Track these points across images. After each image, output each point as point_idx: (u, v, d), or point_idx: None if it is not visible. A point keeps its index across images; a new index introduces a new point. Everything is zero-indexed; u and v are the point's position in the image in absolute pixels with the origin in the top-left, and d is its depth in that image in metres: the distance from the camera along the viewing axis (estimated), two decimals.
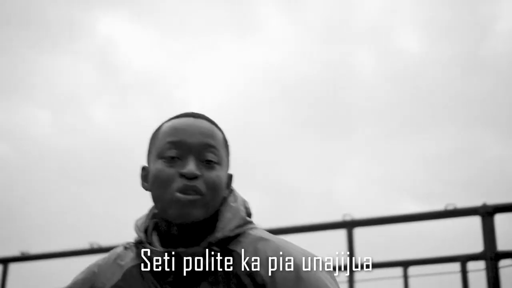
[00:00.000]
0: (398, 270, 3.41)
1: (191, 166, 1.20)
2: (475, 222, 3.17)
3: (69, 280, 1.33)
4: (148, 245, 1.24)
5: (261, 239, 1.25)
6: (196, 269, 1.20)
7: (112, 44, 11.05)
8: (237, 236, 1.25)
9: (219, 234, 1.22)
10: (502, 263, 3.11)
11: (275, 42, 11.86)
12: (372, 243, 3.85)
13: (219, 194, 1.25)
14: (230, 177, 1.34)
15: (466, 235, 3.45)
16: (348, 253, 3.49)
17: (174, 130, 1.26)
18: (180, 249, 1.20)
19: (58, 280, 4.34)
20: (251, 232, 1.27)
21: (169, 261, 1.21)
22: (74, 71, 10.72)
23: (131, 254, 1.30)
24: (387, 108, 11.34)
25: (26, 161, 9.69)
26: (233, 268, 1.20)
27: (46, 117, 10.39)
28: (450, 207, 3.25)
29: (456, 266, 3.26)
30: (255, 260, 1.21)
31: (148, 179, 1.27)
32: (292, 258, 1.21)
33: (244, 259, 1.21)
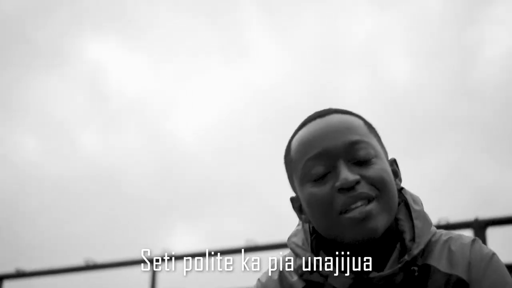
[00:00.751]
0: None
1: (344, 174, 0.99)
2: (468, 235, 3.24)
3: None
4: (326, 271, 1.03)
5: (450, 239, 1.10)
6: None
7: (101, 69, 11.12)
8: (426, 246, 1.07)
9: (415, 250, 1.03)
10: None
11: (264, 65, 11.99)
12: None
13: (392, 190, 1.04)
14: (393, 162, 1.14)
15: None
16: None
17: (309, 144, 1.05)
18: (374, 274, 1.01)
19: None
20: (436, 234, 1.11)
21: (356, 286, 1.02)
22: (63, 96, 10.76)
23: (290, 270, 1.11)
24: (378, 131, 11.46)
25: (12, 186, 9.67)
26: (428, 282, 1.03)
27: (33, 143, 10.39)
28: (443, 222, 3.32)
29: None
30: (451, 266, 1.05)
31: (303, 209, 1.08)
32: (487, 252, 1.08)
33: (442, 271, 1.05)
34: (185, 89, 11.71)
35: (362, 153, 1.02)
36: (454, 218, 3.30)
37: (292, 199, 1.11)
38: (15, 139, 10.42)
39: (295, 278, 1.09)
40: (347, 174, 0.98)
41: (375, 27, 11.84)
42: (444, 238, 1.09)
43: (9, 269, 4.51)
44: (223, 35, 11.81)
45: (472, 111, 10.72)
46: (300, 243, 1.08)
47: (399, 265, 1.01)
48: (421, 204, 1.12)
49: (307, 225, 1.11)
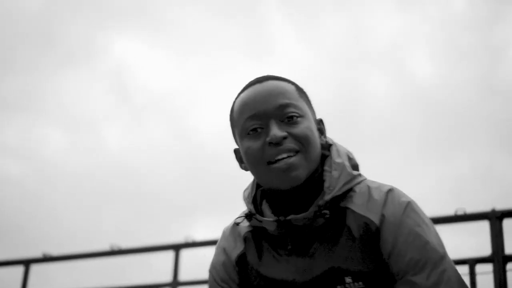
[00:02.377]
0: None
1: (274, 130, 1.17)
2: (484, 226, 3.28)
3: (89, 282, 1.41)
4: (259, 216, 1.24)
5: (370, 188, 1.25)
6: (308, 232, 1.21)
7: (127, 65, 11.27)
8: (348, 192, 1.24)
9: (328, 196, 1.20)
10: (510, 266, 3.20)
11: (288, 63, 12.05)
12: None
13: (314, 146, 1.22)
14: (319, 122, 1.33)
15: (475, 238, 3.55)
16: None
17: (246, 104, 1.24)
18: (291, 217, 1.20)
19: (79, 281, 4.48)
20: (360, 184, 1.26)
21: (282, 228, 1.21)
22: (88, 92, 10.93)
23: (246, 224, 1.32)
24: (401, 131, 11.45)
25: (39, 180, 9.85)
26: (346, 223, 1.20)
27: (60, 138, 10.57)
28: (460, 212, 3.36)
29: (465, 269, 3.34)
30: (367, 209, 1.21)
31: (243, 159, 1.27)
32: (403, 200, 1.23)
33: (357, 212, 1.21)
34: (209, 86, 11.82)
35: (290, 114, 1.20)
36: (471, 209, 3.34)
37: (235, 151, 1.31)
38: (42, 133, 10.63)
39: (245, 225, 1.32)
40: (276, 131, 1.17)
41: (399, 26, 11.84)
42: (366, 186, 1.25)
43: (36, 253, 4.64)
44: (247, 32, 11.91)
45: (498, 111, 10.66)
46: (247, 195, 1.31)
47: (314, 209, 1.19)
48: (351, 157, 1.30)
49: (255, 180, 1.32)
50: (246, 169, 1.28)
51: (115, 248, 4.24)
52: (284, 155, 1.18)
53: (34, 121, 10.64)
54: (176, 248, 4.01)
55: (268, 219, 1.23)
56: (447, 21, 11.66)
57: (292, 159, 1.18)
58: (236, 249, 1.31)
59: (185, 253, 4.03)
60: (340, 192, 1.22)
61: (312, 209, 1.19)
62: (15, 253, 4.86)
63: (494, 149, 10.78)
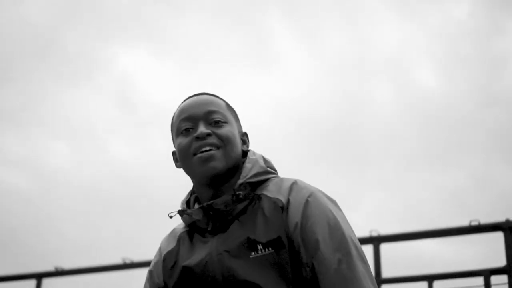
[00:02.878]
0: (424, 285, 3.51)
1: (200, 129, 1.42)
2: (499, 237, 3.30)
3: None
4: (188, 210, 1.47)
5: (282, 179, 1.46)
6: (230, 216, 1.42)
7: (130, 77, 11.31)
8: (263, 182, 1.46)
9: (240, 180, 1.43)
10: None
11: (291, 74, 12.09)
12: (398, 258, 3.96)
13: (233, 145, 1.46)
14: (244, 134, 1.58)
15: (490, 250, 3.57)
16: (374, 268, 3.60)
17: (183, 110, 1.50)
18: (211, 202, 1.41)
19: None
20: (275, 178, 1.49)
21: (207, 215, 1.43)
22: (92, 104, 10.96)
23: (181, 226, 1.54)
24: (404, 141, 11.48)
25: (43, 192, 9.86)
26: (261, 205, 1.40)
27: (63, 150, 10.58)
28: (474, 223, 3.38)
29: (480, 280, 3.36)
30: (277, 193, 1.41)
31: (178, 159, 1.50)
32: (307, 188, 1.43)
33: (269, 196, 1.42)
34: None
35: (216, 118, 1.44)
36: (485, 220, 3.36)
37: (172, 152, 1.54)
38: (46, 145, 10.64)
39: (181, 227, 1.54)
40: (202, 129, 1.41)
41: (401, 37, 11.89)
42: (279, 179, 1.47)
43: (48, 267, 4.65)
44: (250, 44, 11.95)
45: (499, 120, 10.70)
46: (182, 200, 1.54)
47: (231, 193, 1.40)
48: (266, 159, 1.53)
49: (192, 189, 1.54)
50: (179, 167, 1.51)
51: (127, 261, 4.25)
52: (207, 148, 1.41)
53: (38, 133, 10.67)
54: None
55: (194, 209, 1.43)
56: (448, 31, 11.72)
57: (212, 152, 1.41)
58: (169, 247, 1.50)
59: None
60: (253, 180, 1.44)
61: (229, 193, 1.40)
62: (24, 267, 4.86)
63: (494, 158, 10.81)
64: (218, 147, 1.42)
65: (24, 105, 10.50)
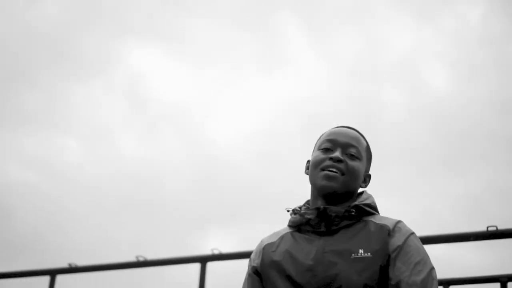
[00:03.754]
0: None
1: (337, 153, 1.70)
2: None
3: None
4: (303, 209, 1.74)
5: (386, 217, 1.75)
6: (338, 224, 1.70)
7: (142, 76, 11.33)
8: (369, 215, 1.74)
9: (355, 202, 1.72)
10: None
11: (303, 76, 12.07)
12: None
13: (356, 178, 1.74)
14: (368, 175, 1.84)
15: (508, 256, 3.54)
16: None
17: (331, 133, 1.80)
18: (327, 206, 1.69)
19: None
20: (378, 215, 1.78)
21: (319, 217, 1.70)
22: (105, 102, 10.98)
23: (283, 229, 1.79)
24: (417, 145, 11.43)
25: (56, 189, 9.89)
26: (365, 228, 1.69)
27: (76, 147, 10.61)
28: (492, 229, 3.36)
29: (497, 286, 3.34)
30: (384, 221, 1.72)
31: (309, 167, 1.78)
32: (409, 227, 1.75)
33: (376, 222, 1.72)
34: (223, 97, 11.84)
35: (352, 152, 1.72)
36: (504, 226, 3.34)
37: (307, 161, 1.82)
38: (59, 143, 10.68)
39: (286, 229, 1.80)
40: (338, 154, 1.69)
41: (414, 40, 11.86)
42: (383, 216, 1.76)
43: (63, 264, 4.66)
44: (262, 44, 11.95)
45: None
46: (294, 207, 1.82)
47: (345, 208, 1.68)
48: (373, 201, 1.81)
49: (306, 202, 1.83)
50: (307, 174, 1.79)
51: (141, 259, 4.26)
52: (334, 170, 1.68)
53: (51, 131, 10.71)
54: (203, 260, 4.02)
55: (310, 209, 1.69)
56: (462, 35, 11.68)
57: (337, 175, 1.68)
58: (270, 240, 1.77)
59: (211, 266, 4.04)
60: (365, 207, 1.72)
61: (343, 207, 1.68)
62: (38, 264, 4.87)
63: (509, 165, 10.75)
64: (342, 174, 1.70)
65: (37, 104, 10.55)
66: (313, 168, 1.74)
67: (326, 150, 1.75)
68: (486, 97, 11.35)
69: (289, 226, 1.80)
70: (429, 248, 3.82)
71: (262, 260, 1.73)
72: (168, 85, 11.49)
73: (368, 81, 11.86)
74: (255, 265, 1.75)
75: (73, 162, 10.39)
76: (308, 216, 1.70)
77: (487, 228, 3.39)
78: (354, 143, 1.76)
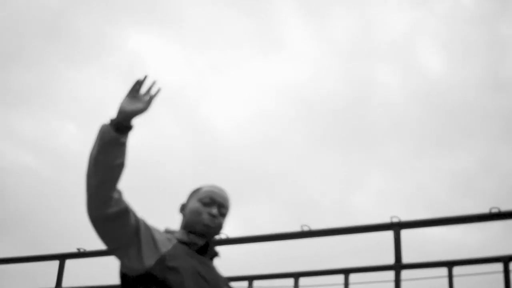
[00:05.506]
0: (443, 270, 3.58)
1: (215, 211, 2.11)
2: None
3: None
4: (191, 235, 2.07)
5: None
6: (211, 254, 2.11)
7: (139, 59, 11.32)
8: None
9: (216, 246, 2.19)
10: None
11: (298, 58, 12.10)
12: (418, 243, 4.04)
13: (221, 229, 2.17)
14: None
15: (509, 236, 3.65)
16: (395, 253, 3.68)
17: (211, 191, 2.17)
18: (210, 243, 2.11)
19: (112, 276, 4.56)
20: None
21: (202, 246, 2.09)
22: (101, 84, 10.99)
23: (174, 239, 2.07)
24: (411, 124, 11.52)
25: (52, 170, 9.90)
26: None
27: (73, 130, 10.62)
28: (495, 210, 3.45)
29: (499, 266, 3.43)
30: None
31: (185, 209, 2.16)
32: None
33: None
34: (220, 80, 11.86)
35: (223, 211, 2.14)
36: (506, 206, 3.43)
37: (182, 204, 2.19)
38: (56, 125, 10.70)
39: (174, 239, 2.07)
40: (216, 212, 2.09)
41: (409, 21, 11.90)
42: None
43: (71, 248, 4.73)
44: (257, 27, 11.95)
45: (507, 104, 10.74)
46: (174, 229, 2.14)
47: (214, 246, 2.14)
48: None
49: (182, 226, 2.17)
50: (182, 214, 2.16)
51: None
52: (211, 224, 2.07)
53: (48, 113, 10.71)
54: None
55: (198, 237, 2.08)
56: (455, 15, 11.72)
57: (212, 227, 2.07)
58: (164, 242, 2.00)
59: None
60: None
61: (213, 245, 2.11)
62: (45, 248, 4.93)
63: (501, 142, 10.87)
64: (217, 226, 2.12)
65: (35, 87, 10.54)
66: (193, 215, 2.12)
67: (205, 204, 2.13)
68: (479, 75, 11.43)
69: (177, 239, 2.11)
70: (432, 230, 3.94)
71: (174, 254, 2.01)
72: (166, 67, 11.49)
73: (363, 61, 11.91)
74: (163, 249, 1.98)
75: (70, 144, 10.41)
76: (200, 243, 2.08)
77: (490, 209, 3.48)
78: (227, 204, 2.19)
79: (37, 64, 10.47)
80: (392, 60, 12.03)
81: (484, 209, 3.53)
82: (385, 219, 3.78)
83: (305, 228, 4.00)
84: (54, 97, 10.74)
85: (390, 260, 3.69)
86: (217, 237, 4.24)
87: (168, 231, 2.14)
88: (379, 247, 3.99)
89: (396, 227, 3.69)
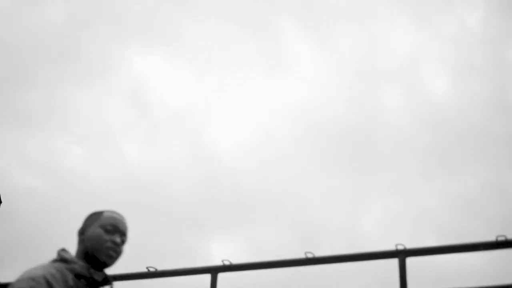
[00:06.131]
0: None
1: (119, 240, 2.18)
2: None
3: None
4: (86, 264, 2.14)
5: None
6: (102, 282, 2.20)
7: (145, 81, 11.37)
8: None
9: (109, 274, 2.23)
10: None
11: (304, 80, 12.12)
12: (424, 269, 3.99)
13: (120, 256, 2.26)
14: None
15: None
16: (400, 282, 3.63)
17: (113, 218, 2.22)
18: (95, 274, 2.16)
19: None
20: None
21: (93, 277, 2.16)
22: (108, 106, 11.02)
23: (69, 273, 2.13)
24: (416, 146, 11.47)
25: (59, 192, 9.89)
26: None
27: (79, 152, 10.62)
28: (501, 238, 3.41)
29: None
30: None
31: (85, 234, 2.19)
32: None
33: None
34: (225, 101, 11.88)
35: (124, 240, 2.19)
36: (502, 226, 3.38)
37: (81, 228, 2.22)
38: (62, 146, 10.71)
39: (70, 275, 2.13)
40: (119, 240, 2.15)
41: (414, 44, 11.93)
42: None
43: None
44: (263, 50, 11.99)
45: (511, 127, 10.69)
46: (71, 254, 2.20)
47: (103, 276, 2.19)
48: None
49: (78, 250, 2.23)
50: (82, 239, 2.19)
51: (152, 270, 4.28)
52: (113, 253, 2.15)
53: (55, 135, 10.75)
54: (214, 271, 4.06)
55: (95, 271, 2.13)
56: (461, 39, 11.74)
57: (114, 255, 2.16)
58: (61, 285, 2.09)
59: (221, 276, 4.07)
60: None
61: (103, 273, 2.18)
62: None
63: (506, 166, 10.82)
64: (118, 255, 2.19)
65: (42, 109, 10.58)
66: (96, 243, 2.15)
67: (108, 232, 2.18)
68: (484, 99, 11.41)
69: (75, 272, 2.15)
70: (439, 258, 3.89)
71: None
72: (171, 90, 11.55)
73: (368, 84, 11.91)
74: None
75: (76, 166, 10.41)
76: (96, 278, 2.14)
77: (497, 237, 3.44)
78: (127, 233, 2.25)
79: (44, 86, 10.56)
80: (397, 83, 12.06)
81: (489, 232, 3.49)
82: (390, 244, 3.75)
83: (309, 255, 3.95)
84: (61, 119, 10.80)
85: (396, 287, 3.64)
86: (219, 263, 4.22)
87: (63, 258, 2.17)
88: (384, 274, 3.94)
89: (402, 254, 3.64)
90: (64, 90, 10.61)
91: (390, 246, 3.76)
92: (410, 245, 3.73)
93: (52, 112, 10.54)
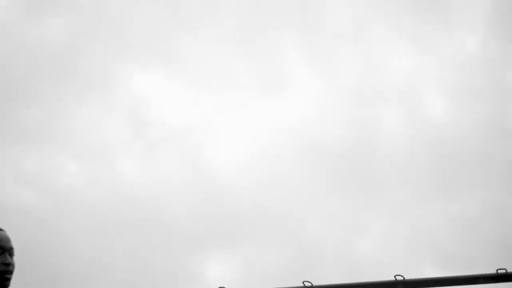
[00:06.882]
0: None
1: (10, 260, 2.12)
2: None
3: None
4: None
5: None
6: None
7: (143, 98, 11.36)
8: None
9: None
10: None
11: (302, 100, 12.12)
12: None
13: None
14: None
15: None
16: None
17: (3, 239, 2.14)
18: None
19: None
20: None
21: None
22: (105, 124, 11.00)
23: None
24: (415, 170, 11.46)
25: (55, 211, 9.86)
26: None
27: (75, 169, 10.59)
28: (501, 271, 3.38)
29: None
30: None
31: None
32: None
33: None
34: (224, 121, 11.88)
35: (13, 253, 2.13)
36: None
37: None
38: (59, 163, 10.67)
39: None
40: (11, 260, 2.09)
41: (413, 66, 11.94)
42: None
43: None
44: (262, 69, 12.00)
45: (511, 151, 10.70)
46: None
47: None
48: None
49: None
50: None
51: None
52: (8, 276, 2.10)
53: (51, 151, 10.70)
54: None
55: None
56: (460, 62, 11.76)
57: (10, 276, 2.11)
58: None
59: None
60: None
61: None
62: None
63: (507, 190, 10.79)
64: (11, 274, 2.14)
65: (37, 124, 10.55)
66: None
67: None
68: (484, 122, 11.41)
69: None
70: None
71: None
72: (169, 107, 11.53)
73: (367, 105, 11.92)
74: None
75: (72, 183, 10.38)
76: None
77: (497, 270, 3.40)
78: (13, 246, 2.19)
79: (40, 101, 10.51)
80: (396, 105, 12.04)
81: (488, 256, 3.46)
82: (389, 268, 3.72)
83: (307, 284, 3.91)
84: (58, 135, 10.75)
85: None
86: None
87: None
88: None
89: (400, 286, 3.61)
90: (62, 107, 10.61)
91: (389, 272, 3.73)
92: (410, 271, 3.71)
93: (49, 129, 10.53)
